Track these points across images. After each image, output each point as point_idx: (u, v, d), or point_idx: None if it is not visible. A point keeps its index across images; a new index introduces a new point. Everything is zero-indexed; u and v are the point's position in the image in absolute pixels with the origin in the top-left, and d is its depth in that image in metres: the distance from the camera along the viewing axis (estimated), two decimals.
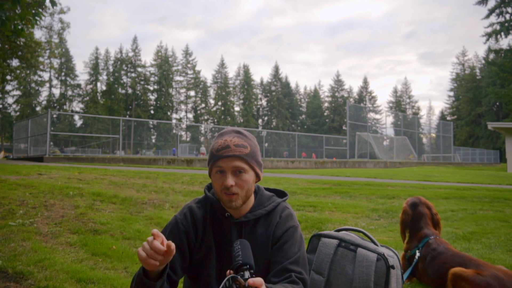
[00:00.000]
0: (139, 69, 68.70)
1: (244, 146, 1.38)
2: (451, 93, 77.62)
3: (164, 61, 69.81)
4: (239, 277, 1.08)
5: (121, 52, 68.21)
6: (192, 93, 73.82)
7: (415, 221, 2.61)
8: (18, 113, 59.07)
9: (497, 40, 30.23)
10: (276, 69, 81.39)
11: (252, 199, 1.47)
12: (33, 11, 4.71)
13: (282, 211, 1.49)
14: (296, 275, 1.32)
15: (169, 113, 69.37)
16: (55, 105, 64.47)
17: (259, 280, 1.06)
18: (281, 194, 1.60)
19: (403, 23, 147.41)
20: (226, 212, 1.43)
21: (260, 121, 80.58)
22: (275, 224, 1.44)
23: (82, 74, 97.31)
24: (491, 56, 49.67)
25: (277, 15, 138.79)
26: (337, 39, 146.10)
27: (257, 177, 1.44)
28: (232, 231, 1.43)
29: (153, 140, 57.87)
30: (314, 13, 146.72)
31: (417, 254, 2.46)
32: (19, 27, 4.66)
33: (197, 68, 76.52)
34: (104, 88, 66.78)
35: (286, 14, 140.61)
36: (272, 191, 1.60)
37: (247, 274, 1.12)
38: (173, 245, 1.10)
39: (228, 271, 1.18)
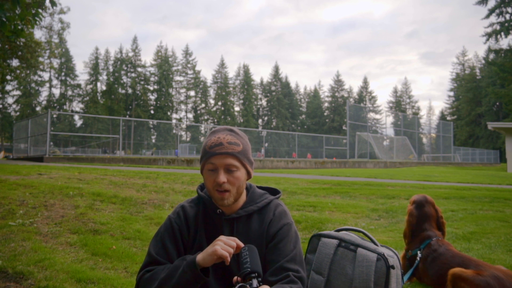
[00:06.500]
0: (139, 69, 68.73)
1: (236, 144, 1.40)
2: (451, 93, 77.71)
3: (164, 61, 69.80)
4: (248, 286, 1.10)
5: (121, 52, 68.26)
6: (192, 93, 73.88)
7: (419, 222, 2.55)
8: (18, 113, 59.10)
9: (497, 40, 30.24)
10: (276, 69, 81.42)
11: (243, 196, 1.48)
12: (33, 11, 4.70)
13: (276, 208, 1.48)
14: (294, 274, 1.31)
15: (169, 113, 69.37)
16: (55, 105, 64.48)
17: None
18: (273, 192, 1.60)
19: (405, 23, 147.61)
20: (218, 209, 1.44)
21: (260, 121, 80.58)
22: (268, 221, 1.44)
23: (82, 74, 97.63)
24: (491, 56, 49.66)
25: (279, 14, 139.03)
26: (339, 39, 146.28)
27: (248, 175, 1.46)
28: (223, 228, 1.44)
29: (153, 140, 57.86)
30: (316, 12, 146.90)
31: (419, 255, 2.45)
32: (19, 27, 4.66)
33: (197, 68, 76.77)
34: (104, 88, 66.79)
35: (288, 13, 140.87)
36: (264, 189, 1.60)
37: (255, 282, 1.12)
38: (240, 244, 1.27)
39: (236, 278, 1.19)
